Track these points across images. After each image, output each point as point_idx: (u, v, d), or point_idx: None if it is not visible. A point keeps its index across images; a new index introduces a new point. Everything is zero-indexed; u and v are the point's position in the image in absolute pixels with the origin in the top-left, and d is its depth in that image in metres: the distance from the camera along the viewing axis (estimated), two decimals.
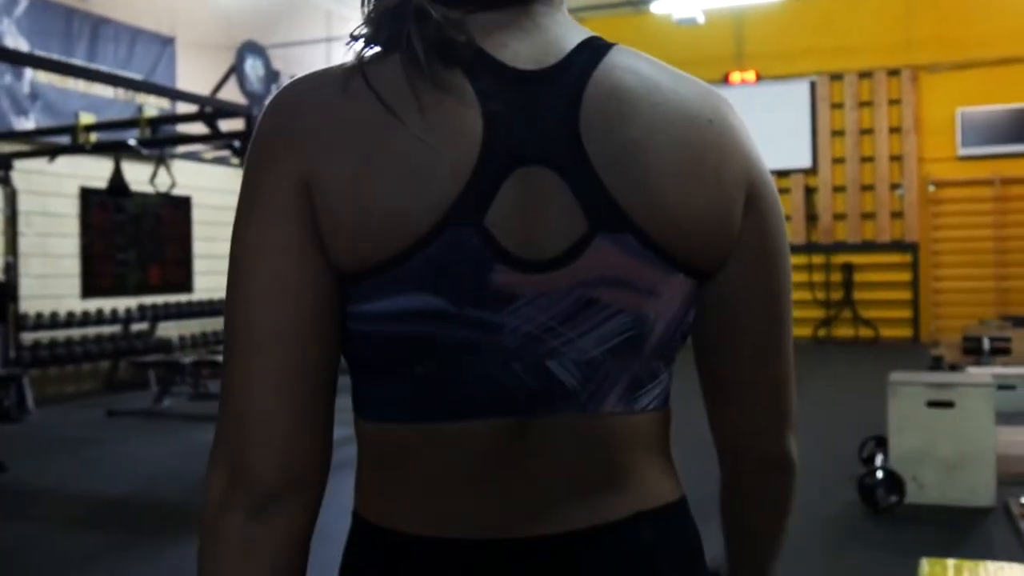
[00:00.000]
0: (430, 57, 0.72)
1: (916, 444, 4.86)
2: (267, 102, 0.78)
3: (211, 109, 7.39)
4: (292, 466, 0.74)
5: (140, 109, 7.90)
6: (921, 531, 4.50)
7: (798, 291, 13.65)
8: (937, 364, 7.79)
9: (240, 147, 6.97)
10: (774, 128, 13.61)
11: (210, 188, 11.31)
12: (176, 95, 6.98)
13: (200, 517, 0.75)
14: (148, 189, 8.38)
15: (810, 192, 13.71)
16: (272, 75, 7.36)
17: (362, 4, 0.77)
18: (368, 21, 0.75)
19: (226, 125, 7.63)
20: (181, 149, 10.46)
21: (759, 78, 13.77)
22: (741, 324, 0.84)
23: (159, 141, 7.59)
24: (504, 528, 0.77)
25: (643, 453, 0.81)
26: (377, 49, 0.76)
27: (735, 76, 13.85)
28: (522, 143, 0.74)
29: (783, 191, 13.78)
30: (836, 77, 13.60)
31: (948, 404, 4.83)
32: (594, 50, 0.78)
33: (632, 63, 0.78)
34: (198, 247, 11.32)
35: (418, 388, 0.76)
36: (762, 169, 0.83)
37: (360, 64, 0.74)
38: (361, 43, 0.76)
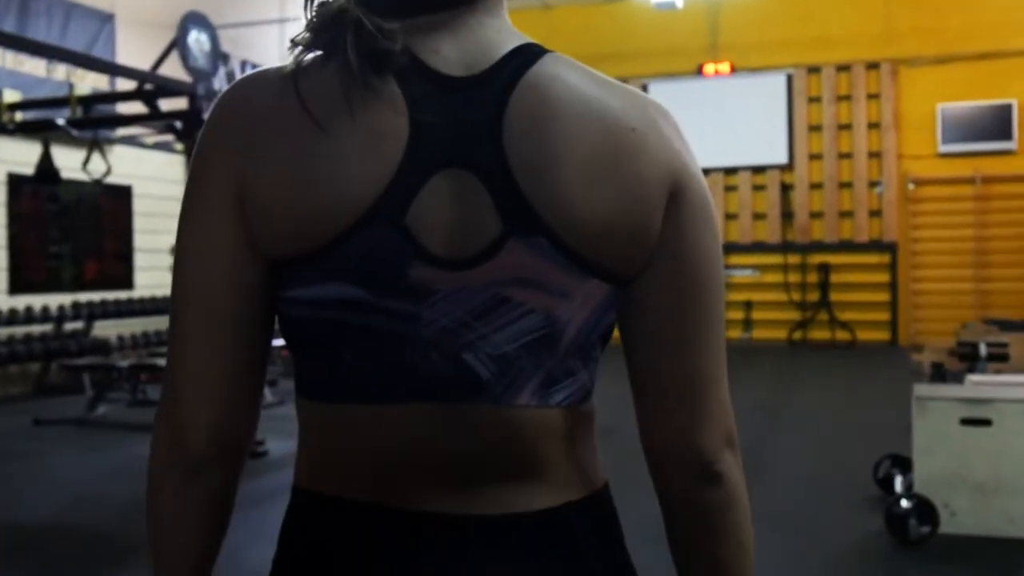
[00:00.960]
0: (363, 66, 0.78)
1: (947, 466, 4.30)
2: (214, 100, 0.85)
3: (151, 87, 6.65)
4: (221, 436, 0.84)
5: (72, 88, 7.11)
6: (957, 567, 3.94)
7: (773, 292, 13.21)
8: (939, 373, 7.26)
9: (183, 129, 6.25)
10: (749, 122, 13.18)
11: (152, 177, 10.54)
12: (112, 69, 6.25)
13: (148, 468, 0.86)
14: (84, 176, 7.68)
15: (786, 189, 13.28)
16: (219, 53, 6.63)
17: (304, 8, 0.81)
18: (309, 27, 0.80)
19: (168, 105, 6.90)
20: (121, 132, 9.69)
21: (734, 70, 13.35)
22: (659, 324, 0.86)
23: (92, 122, 6.83)
24: (410, 500, 0.82)
25: (558, 445, 0.85)
26: (318, 53, 0.81)
27: (709, 67, 13.40)
28: (446, 147, 0.79)
29: (758, 188, 13.33)
30: (814, 70, 13.17)
31: (984, 422, 4.28)
32: (525, 58, 0.82)
33: (560, 72, 0.82)
34: (139, 240, 10.54)
35: (343, 371, 0.82)
36: (690, 173, 0.85)
37: (296, 70, 0.80)
38: (300, 48, 0.80)
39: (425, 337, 0.80)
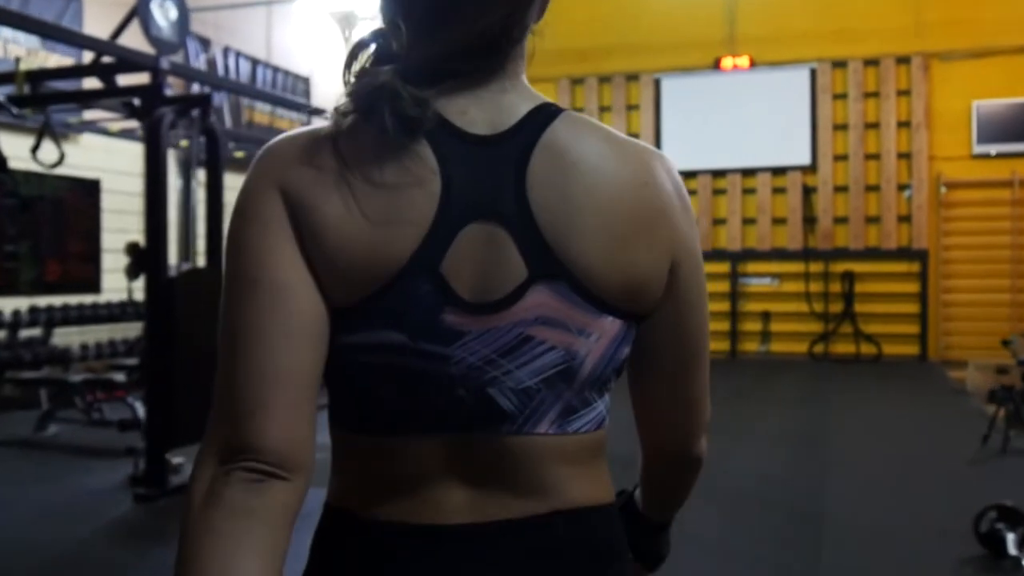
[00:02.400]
0: (398, 130, 0.86)
1: None
2: (256, 156, 0.91)
3: (111, 60, 5.73)
4: (290, 448, 0.84)
5: (18, 62, 6.18)
6: None
7: (793, 302, 12.33)
8: (1005, 395, 6.35)
9: (142, 106, 5.34)
10: (769, 120, 12.33)
11: (124, 171, 9.61)
12: (61, 34, 5.31)
13: (190, 493, 0.83)
14: (48, 168, 6.79)
15: (808, 192, 12.41)
16: (187, 24, 5.71)
17: (344, 74, 0.90)
18: (350, 94, 0.88)
19: (131, 83, 5.99)
20: (87, 117, 8.75)
21: (753, 64, 12.50)
22: (668, 358, 0.99)
23: (39, 99, 5.90)
24: (437, 517, 0.90)
25: (573, 468, 0.93)
26: (353, 117, 0.89)
27: (726, 62, 12.55)
28: (475, 201, 0.87)
29: (778, 190, 12.45)
30: (839, 64, 12.30)
31: None
32: (543, 117, 0.91)
33: (576, 129, 0.91)
34: (108, 240, 9.59)
35: (378, 406, 0.91)
36: (690, 233, 0.95)
37: (337, 131, 0.88)
38: (340, 114, 0.89)
39: (454, 375, 0.88)
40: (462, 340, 0.87)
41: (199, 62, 10.55)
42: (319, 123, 0.97)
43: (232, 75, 11.13)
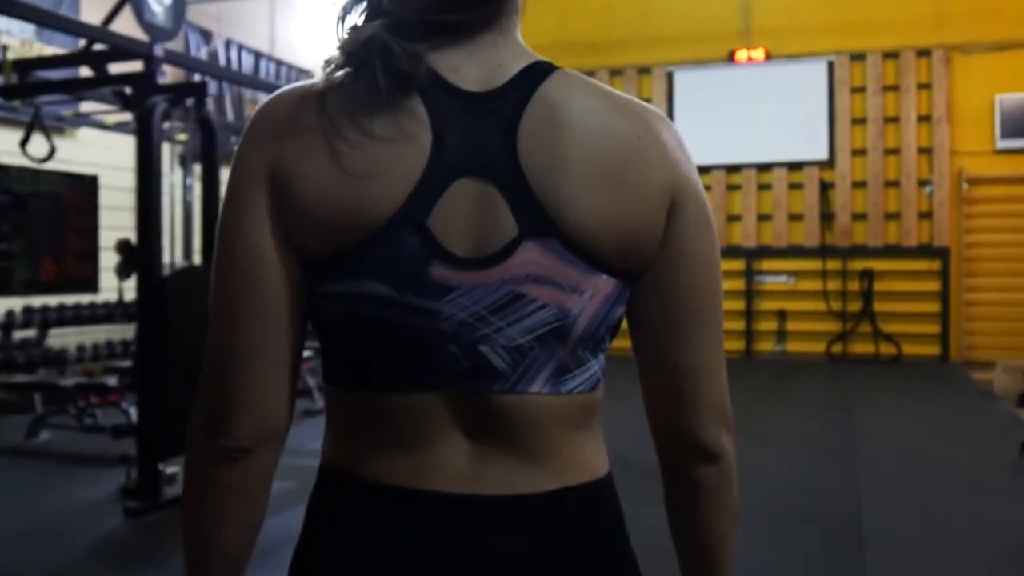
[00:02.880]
0: (390, 85, 0.86)
1: None
2: (249, 119, 1.02)
3: (102, 48, 5.43)
4: (264, 424, 0.91)
5: (5, 51, 5.89)
6: None
7: (810, 301, 12.00)
8: None
9: (133, 95, 5.05)
10: (785, 114, 12.00)
11: (123, 167, 9.31)
12: (47, 20, 5.01)
13: (187, 463, 0.94)
14: (39, 163, 6.52)
15: (826, 188, 12.06)
16: (183, 11, 5.41)
17: (336, 29, 0.90)
18: (341, 49, 0.88)
19: (123, 71, 5.70)
20: (85, 109, 8.46)
21: (769, 57, 12.14)
22: (662, 319, 0.94)
23: (27, 89, 5.60)
24: (431, 482, 0.90)
25: (569, 431, 0.93)
26: (347, 71, 0.89)
27: (741, 54, 12.20)
28: (465, 157, 0.87)
29: (795, 186, 12.12)
30: (857, 57, 11.94)
31: None
32: (536, 75, 0.90)
33: (569, 87, 0.91)
34: (106, 238, 9.27)
35: (368, 362, 0.90)
36: (689, 181, 0.93)
37: (327, 86, 0.89)
38: (332, 67, 0.89)
39: (444, 330, 0.88)
40: (451, 295, 0.87)
41: (200, 55, 10.25)
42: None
43: (234, 68, 10.83)
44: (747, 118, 12.07)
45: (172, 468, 4.93)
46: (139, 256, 4.83)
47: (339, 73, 0.88)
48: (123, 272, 5.35)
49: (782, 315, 12.13)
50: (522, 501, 0.90)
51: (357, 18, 0.91)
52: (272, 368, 0.90)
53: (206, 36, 10.42)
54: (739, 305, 12.17)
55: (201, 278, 5.15)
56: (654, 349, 0.97)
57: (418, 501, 0.90)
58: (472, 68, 0.90)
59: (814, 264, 12.02)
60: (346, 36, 0.88)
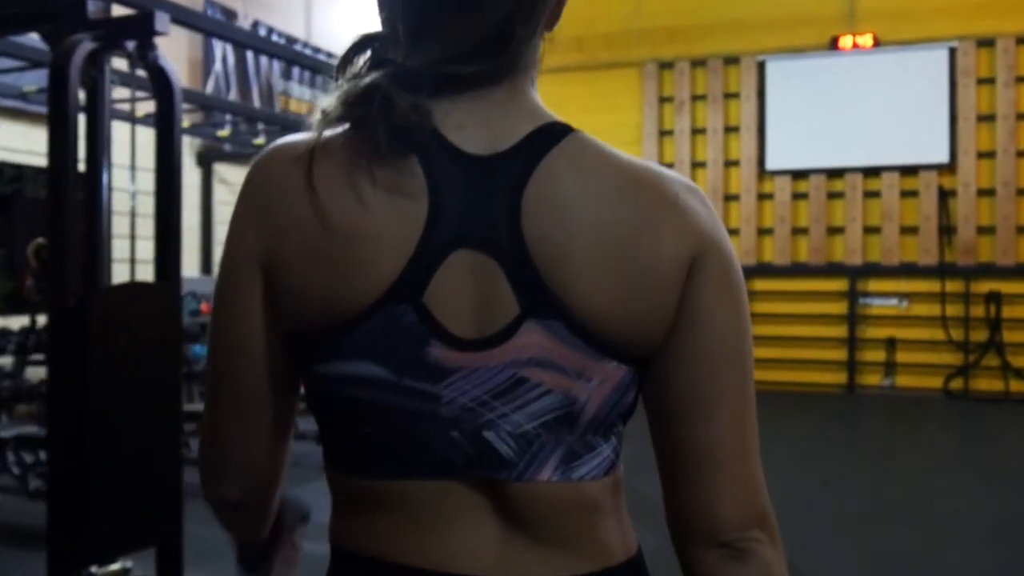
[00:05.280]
0: (390, 142, 0.81)
1: None
2: (246, 175, 0.89)
3: None
4: (251, 482, 0.94)
5: None
6: None
7: (926, 328, 10.32)
8: None
9: (55, 33, 3.68)
10: (898, 110, 10.42)
11: (122, 163, 8.02)
12: None
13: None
14: (23, 158, 5.29)
15: (945, 196, 10.38)
16: None
17: (335, 78, 0.86)
18: (340, 100, 0.83)
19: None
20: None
21: (877, 43, 10.57)
22: (677, 397, 0.87)
23: None
24: (455, 565, 0.85)
25: (584, 518, 0.87)
26: (345, 126, 0.85)
27: (845, 41, 10.66)
28: (464, 227, 0.82)
29: (909, 193, 10.44)
30: (985, 43, 10.27)
31: None
32: (546, 139, 0.84)
33: (580, 155, 0.85)
34: (114, 248, 7.97)
35: (370, 447, 0.86)
36: (710, 240, 0.85)
37: (315, 148, 0.84)
38: (326, 120, 0.84)
39: (445, 416, 0.84)
40: (451, 379, 0.83)
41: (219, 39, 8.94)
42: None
43: (263, 58, 9.50)
44: (852, 115, 10.53)
45: (117, 565, 3.51)
46: (49, 272, 3.41)
47: (333, 130, 0.85)
48: (35, 291, 3.94)
49: (891, 344, 10.52)
50: None
51: (361, 66, 0.86)
52: (256, 435, 0.91)
53: (229, 15, 9.12)
54: (840, 332, 10.59)
55: (153, 299, 3.72)
56: (669, 429, 0.89)
57: None
58: (477, 128, 0.85)
59: (931, 285, 10.39)
60: (345, 86, 0.84)
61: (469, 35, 0.83)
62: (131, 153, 4.15)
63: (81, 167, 3.73)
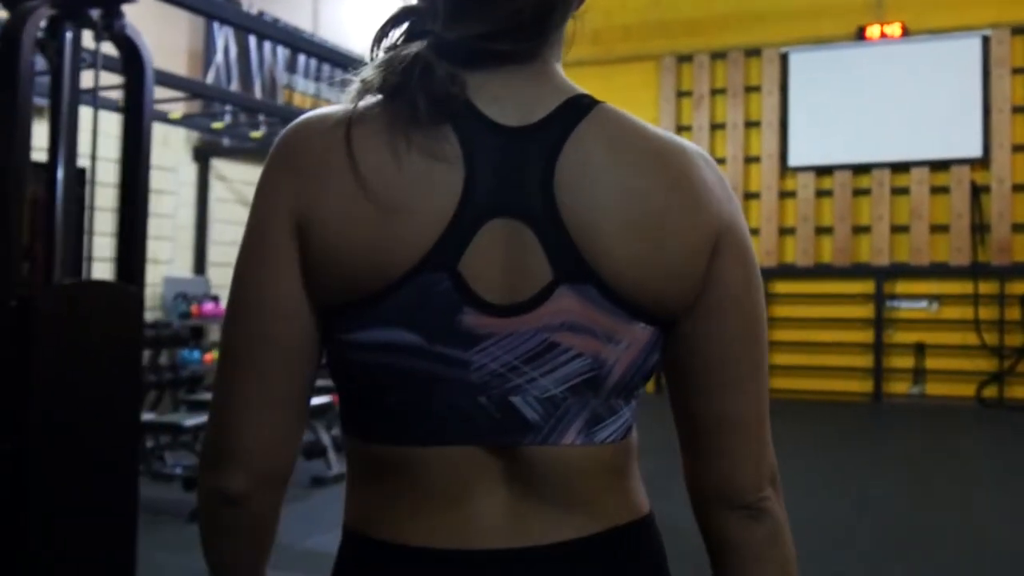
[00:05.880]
0: (428, 110, 0.82)
1: None
2: (277, 138, 0.90)
3: None
4: (261, 468, 0.89)
5: None
6: None
7: (957, 331, 9.87)
8: None
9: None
10: (927, 103, 10.02)
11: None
12: None
13: (199, 503, 0.93)
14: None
15: (978, 192, 9.93)
16: None
17: (371, 48, 0.88)
18: (380, 67, 0.85)
19: None
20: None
21: (906, 33, 10.14)
22: (706, 363, 0.91)
23: None
24: (468, 540, 0.86)
25: (603, 479, 0.90)
26: (378, 97, 0.86)
27: (873, 30, 10.25)
28: (499, 196, 0.84)
29: (939, 190, 9.98)
30: (1020, 31, 9.81)
31: None
32: (576, 110, 0.87)
33: (608, 126, 0.87)
34: (99, 246, 7.57)
35: (394, 413, 0.87)
36: (731, 222, 0.90)
37: (353, 116, 0.85)
38: (365, 89, 0.85)
39: (474, 381, 0.85)
40: (483, 344, 0.84)
41: (220, 29, 8.57)
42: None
43: (265, 47, 9.13)
44: (879, 108, 10.12)
45: None
46: None
47: (369, 98, 0.85)
48: None
49: (920, 349, 10.09)
50: (560, 548, 0.87)
51: (397, 37, 0.88)
52: (273, 412, 0.88)
53: (232, 2, 8.73)
54: (866, 337, 10.15)
55: (106, 300, 3.31)
56: (692, 401, 0.93)
57: (457, 562, 0.86)
58: (510, 100, 0.86)
59: (963, 287, 9.95)
60: (385, 56, 0.86)
61: (509, 14, 0.85)
62: (92, 140, 3.73)
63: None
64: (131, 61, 3.52)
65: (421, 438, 0.86)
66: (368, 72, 0.85)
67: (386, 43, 0.87)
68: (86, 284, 3.34)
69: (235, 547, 0.93)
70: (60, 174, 3.37)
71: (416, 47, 0.84)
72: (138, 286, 3.49)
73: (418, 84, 0.82)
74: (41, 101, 4.17)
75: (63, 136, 3.56)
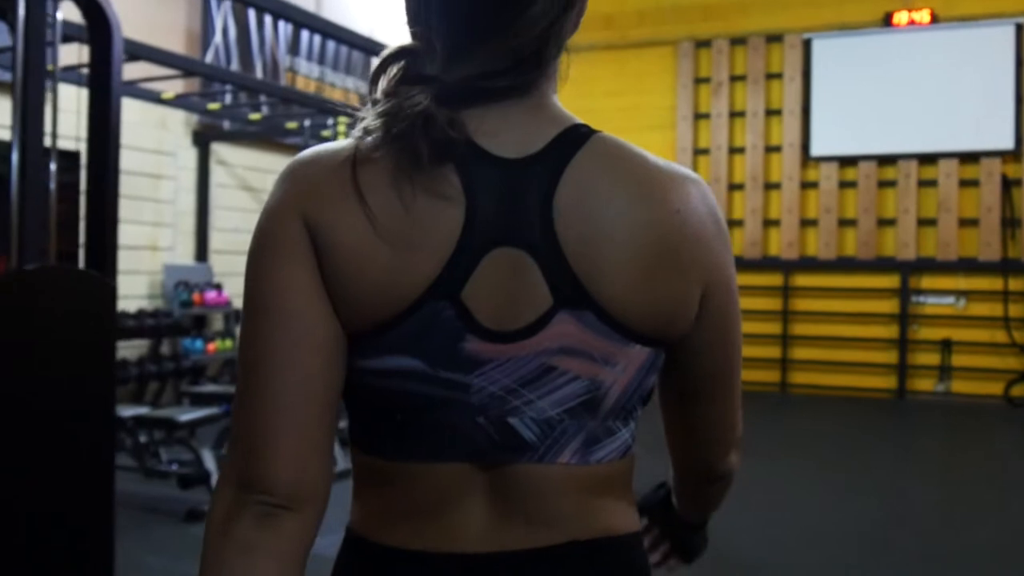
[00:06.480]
0: (430, 154, 0.85)
1: None
2: (280, 174, 0.92)
3: None
4: (299, 482, 0.86)
5: None
6: None
7: (985, 328, 9.53)
8: None
9: None
10: (956, 92, 9.65)
11: (123, 144, 7.35)
12: None
13: (208, 523, 0.87)
14: None
15: (1009, 185, 9.53)
16: None
17: (370, 90, 0.91)
18: (382, 116, 0.88)
19: None
20: (68, 59, 6.44)
21: (935, 19, 9.74)
22: (698, 384, 1.00)
23: None
24: (458, 545, 0.91)
25: (596, 498, 0.94)
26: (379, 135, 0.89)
27: (900, 16, 9.83)
28: (500, 227, 0.87)
29: (968, 183, 9.61)
30: None
31: None
32: (573, 141, 0.90)
33: (606, 154, 0.90)
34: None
35: (398, 431, 0.91)
36: (723, 259, 0.94)
37: (360, 154, 0.88)
38: (368, 134, 0.89)
39: (473, 403, 0.89)
40: (483, 369, 0.88)
41: (219, 9, 8.25)
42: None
43: (267, 29, 8.81)
44: (906, 97, 9.73)
45: None
46: None
47: (371, 138, 0.88)
48: None
49: (947, 346, 9.71)
50: (541, 553, 0.91)
51: (394, 76, 0.90)
52: (307, 425, 0.87)
53: None
54: (890, 333, 9.80)
55: (71, 288, 3.00)
56: (683, 410, 1.03)
57: (435, 563, 0.91)
58: (508, 133, 0.89)
59: (991, 283, 9.56)
60: (387, 105, 0.88)
61: (504, 54, 0.88)
62: (52, 119, 3.42)
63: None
64: (97, 28, 3.21)
65: (422, 454, 0.90)
66: (370, 120, 0.88)
67: (382, 82, 0.90)
68: (43, 271, 3.02)
69: (250, 568, 0.87)
70: (15, 154, 3.03)
71: (418, 96, 0.86)
72: (109, 273, 3.18)
73: (420, 133, 0.85)
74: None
75: (19, 112, 3.23)
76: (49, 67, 3.40)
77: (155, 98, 6.70)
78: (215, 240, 8.55)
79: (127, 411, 5.23)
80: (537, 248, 0.86)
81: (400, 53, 0.90)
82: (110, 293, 3.11)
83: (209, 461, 5.03)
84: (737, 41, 10.45)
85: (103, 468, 3.07)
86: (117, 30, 3.23)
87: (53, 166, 3.39)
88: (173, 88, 7.09)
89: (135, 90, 6.48)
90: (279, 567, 0.85)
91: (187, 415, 5.20)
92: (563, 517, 0.92)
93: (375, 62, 0.92)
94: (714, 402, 1.01)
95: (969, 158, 9.64)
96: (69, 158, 6.98)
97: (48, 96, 3.41)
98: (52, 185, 3.40)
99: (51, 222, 3.37)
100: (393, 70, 0.90)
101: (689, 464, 1.10)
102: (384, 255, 0.85)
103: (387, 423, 0.91)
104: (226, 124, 8.45)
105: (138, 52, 5.32)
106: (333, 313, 0.87)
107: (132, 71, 6.18)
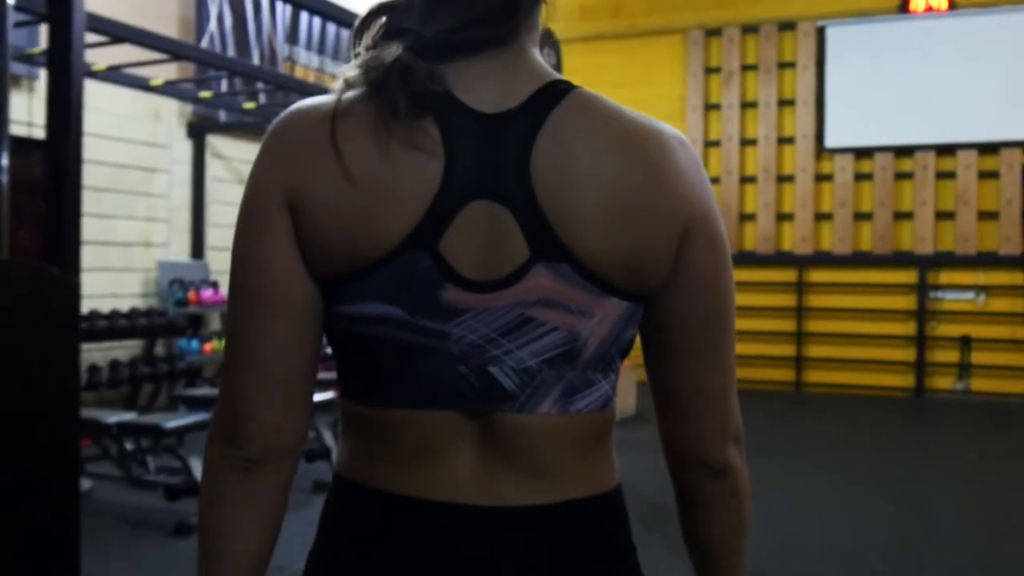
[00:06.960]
0: (409, 106, 0.88)
1: None
2: (271, 125, 0.95)
3: None
4: (276, 439, 0.93)
5: None
6: None
7: (1006, 325, 9.24)
8: None
9: None
10: (976, 81, 9.37)
11: (108, 134, 7.11)
12: None
13: (203, 469, 0.96)
14: None
15: None
16: None
17: (352, 45, 0.95)
18: (361, 68, 0.91)
19: None
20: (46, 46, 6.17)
21: (953, 6, 9.47)
22: (677, 341, 0.98)
23: None
24: (437, 492, 0.93)
25: (577, 448, 0.96)
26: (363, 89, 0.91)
27: (917, 3, 9.55)
28: (478, 180, 0.89)
29: (988, 174, 9.32)
30: None
31: None
32: (552, 96, 0.92)
33: (583, 111, 0.92)
34: (89, 229, 7.00)
35: (381, 378, 0.94)
36: (702, 206, 0.95)
37: (338, 106, 0.91)
38: (348, 86, 0.92)
39: (453, 352, 0.91)
40: (461, 318, 0.90)
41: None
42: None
43: (264, 14, 8.56)
44: (924, 87, 9.45)
45: None
46: None
47: (353, 92, 0.91)
48: None
49: (966, 343, 9.43)
50: (526, 512, 0.93)
51: (376, 32, 0.93)
52: (284, 385, 0.93)
53: None
54: (908, 329, 9.52)
55: (26, 286, 2.75)
56: (664, 373, 1.01)
57: (425, 510, 0.93)
58: (487, 88, 0.91)
59: (1012, 277, 9.27)
60: (367, 56, 0.91)
61: (481, 4, 0.90)
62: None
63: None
64: (54, 3, 2.94)
65: (405, 402, 0.93)
66: (350, 71, 0.91)
67: (366, 38, 0.93)
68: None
69: (244, 521, 0.94)
70: None
71: (395, 48, 0.89)
72: (70, 269, 2.93)
73: (397, 83, 0.87)
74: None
75: None
76: None
77: (143, 85, 6.42)
78: (211, 236, 8.30)
79: (111, 416, 4.97)
80: (514, 202, 0.88)
81: (381, 9, 0.94)
82: (71, 290, 2.85)
83: (199, 471, 4.77)
84: (749, 29, 10.17)
85: (66, 480, 2.83)
86: (79, 4, 2.97)
87: (5, 158, 3.12)
88: (165, 76, 6.83)
89: (121, 76, 6.21)
90: (259, 511, 0.94)
91: (174, 421, 4.90)
92: (553, 471, 0.94)
93: (358, 20, 0.95)
94: (699, 368, 0.99)
95: (989, 149, 9.34)
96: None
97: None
98: (3, 178, 3.14)
99: (3, 213, 3.11)
100: (375, 26, 0.93)
101: (679, 452, 1.04)
102: (359, 204, 0.87)
103: (370, 370, 0.94)
104: (222, 115, 8.20)
105: (121, 34, 5.03)
106: (312, 281, 0.91)
107: (117, 55, 5.93)
